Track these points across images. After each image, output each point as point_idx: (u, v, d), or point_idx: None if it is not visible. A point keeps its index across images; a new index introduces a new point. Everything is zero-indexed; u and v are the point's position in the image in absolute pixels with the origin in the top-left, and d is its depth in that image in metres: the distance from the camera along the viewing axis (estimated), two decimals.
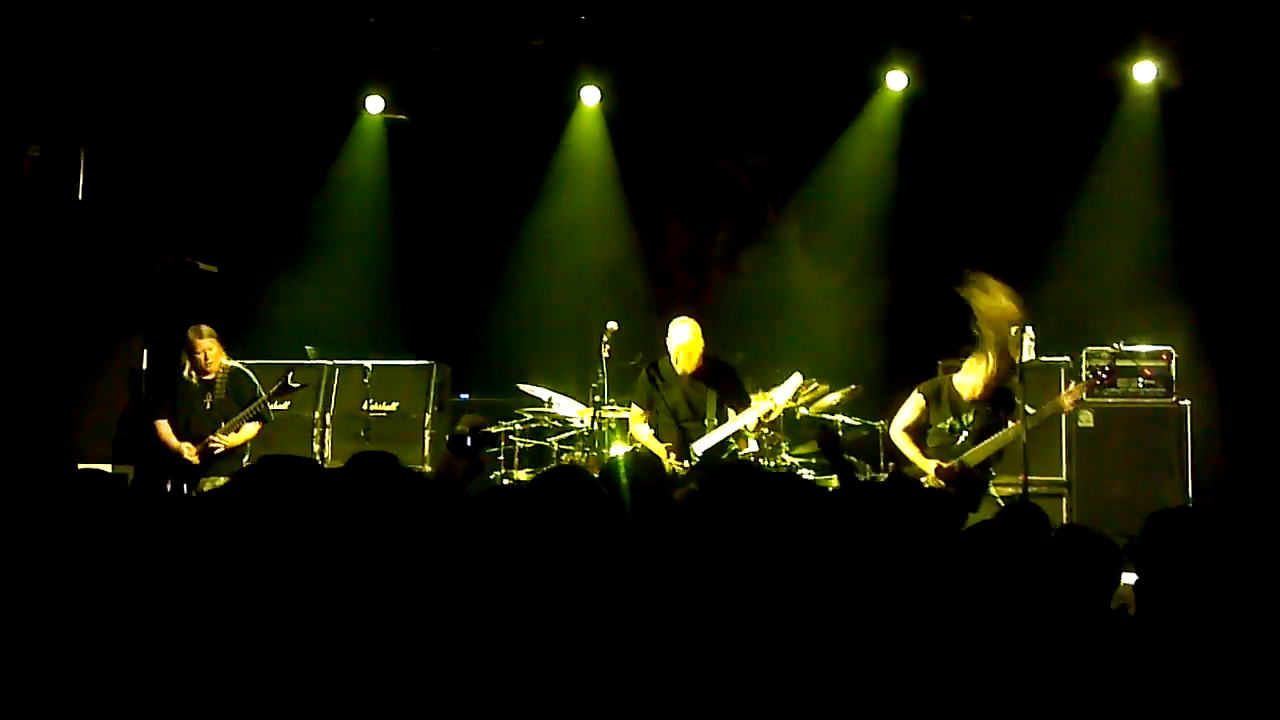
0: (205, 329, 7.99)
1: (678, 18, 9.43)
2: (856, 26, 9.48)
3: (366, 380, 8.82)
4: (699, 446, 7.52)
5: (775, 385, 7.56)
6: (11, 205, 8.69)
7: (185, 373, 7.99)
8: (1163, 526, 3.25)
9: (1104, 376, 7.57)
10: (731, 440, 7.54)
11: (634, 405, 7.84)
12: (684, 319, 7.72)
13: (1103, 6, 8.98)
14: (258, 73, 9.67)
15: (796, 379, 7.47)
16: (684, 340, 7.61)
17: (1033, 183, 9.61)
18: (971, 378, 7.07)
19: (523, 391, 8.72)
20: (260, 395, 7.91)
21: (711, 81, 10.04)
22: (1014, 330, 7.05)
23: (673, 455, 7.48)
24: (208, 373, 7.93)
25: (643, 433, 7.74)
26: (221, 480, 2.99)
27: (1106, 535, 3.35)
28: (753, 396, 7.50)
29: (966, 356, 7.13)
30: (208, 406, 7.94)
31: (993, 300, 6.93)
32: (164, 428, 7.95)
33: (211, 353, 7.93)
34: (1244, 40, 8.73)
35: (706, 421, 7.57)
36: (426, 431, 9.12)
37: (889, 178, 10.05)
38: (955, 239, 9.73)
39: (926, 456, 7.08)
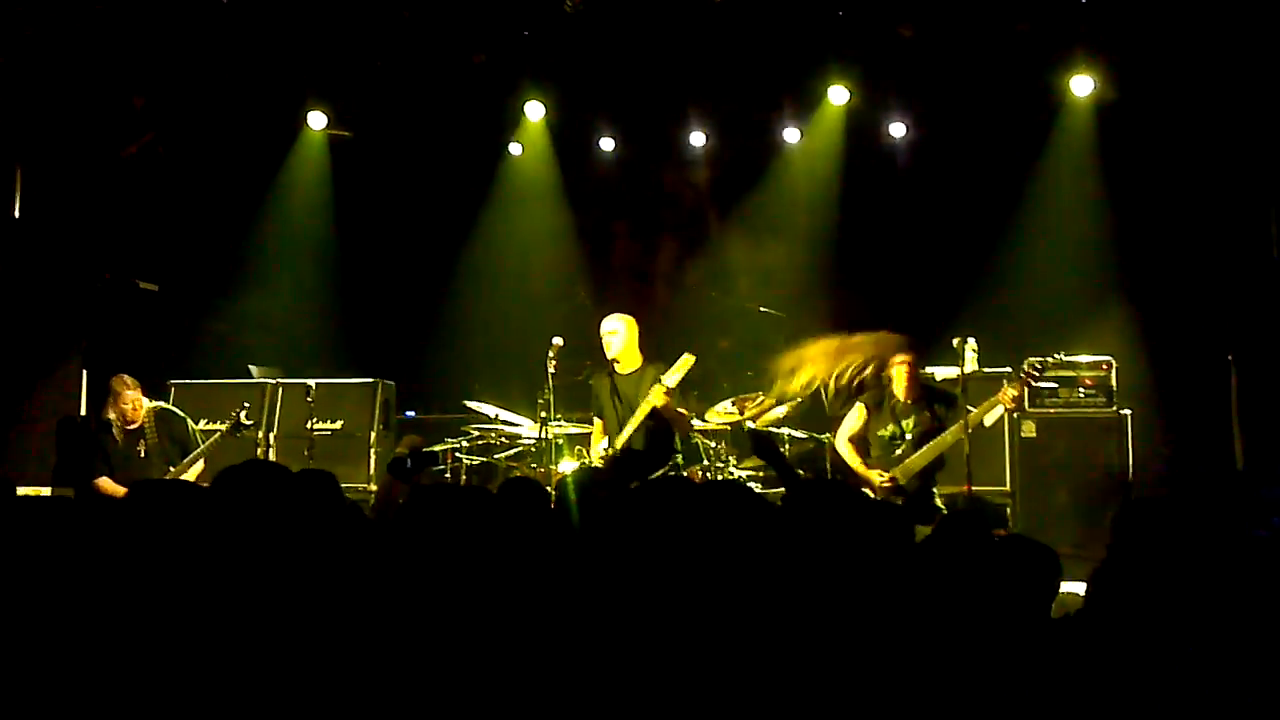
0: (129, 379, 7.83)
1: (619, 31, 9.45)
2: (799, 40, 9.54)
3: (310, 399, 8.74)
4: (618, 441, 7.42)
5: (734, 400, 7.65)
6: None
7: (114, 424, 7.82)
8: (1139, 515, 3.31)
9: (1038, 370, 7.55)
10: (674, 450, 7.51)
11: (593, 417, 7.84)
12: (619, 315, 7.73)
13: (1040, 21, 9.09)
14: (199, 88, 9.57)
15: (685, 357, 7.36)
16: (602, 328, 7.64)
17: (974, 195, 9.72)
18: (897, 383, 7.21)
19: (469, 408, 8.68)
20: (190, 428, 7.83)
21: (655, 93, 10.08)
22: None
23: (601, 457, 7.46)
24: (133, 422, 7.79)
25: (600, 447, 7.71)
26: None
27: (1047, 544, 3.38)
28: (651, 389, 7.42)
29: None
30: (143, 455, 7.80)
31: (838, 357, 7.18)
32: (106, 484, 7.75)
33: (137, 402, 7.80)
34: (1176, 54, 8.87)
35: (632, 419, 7.49)
36: (372, 450, 9.06)
37: (833, 191, 10.13)
38: (898, 251, 9.83)
39: (870, 467, 7.15)
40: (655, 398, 7.21)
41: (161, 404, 8.00)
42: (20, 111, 8.91)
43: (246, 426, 7.91)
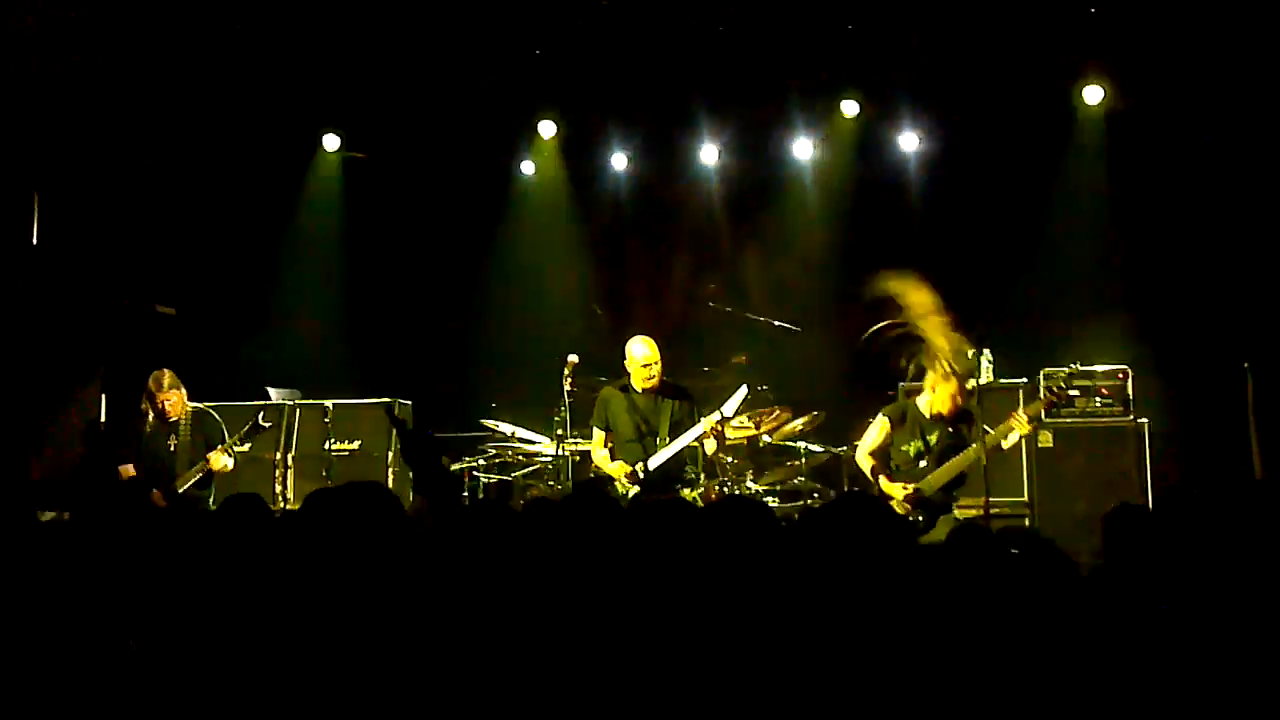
0: (167, 375, 7.91)
1: (629, 46, 9.50)
2: (809, 54, 9.58)
3: (328, 419, 8.79)
4: (652, 463, 7.51)
5: (742, 416, 7.64)
6: None
7: (149, 418, 7.91)
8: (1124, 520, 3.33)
9: (1057, 397, 7.63)
10: (688, 464, 7.56)
11: (594, 428, 7.84)
12: (641, 336, 7.75)
13: (1051, 32, 9.11)
14: (214, 113, 9.65)
15: (743, 391, 7.46)
16: (640, 355, 7.64)
17: (986, 206, 9.72)
18: (929, 395, 7.12)
19: (486, 426, 8.70)
20: (226, 438, 7.85)
21: (666, 109, 10.12)
22: (963, 346, 7.11)
23: (625, 477, 7.49)
24: (170, 417, 7.87)
25: (598, 455, 7.75)
26: None
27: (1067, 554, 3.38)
28: (703, 414, 7.52)
29: (921, 378, 7.18)
30: (171, 449, 7.87)
31: (935, 331, 7.03)
32: (129, 472, 7.86)
33: (173, 399, 7.86)
34: (1186, 62, 8.88)
35: (659, 440, 7.58)
36: (390, 469, 9.08)
37: (845, 203, 10.15)
38: (911, 263, 9.80)
39: (891, 480, 7.11)
40: (707, 425, 7.31)
41: (202, 406, 8.06)
42: (37, 137, 8.99)
43: (264, 429, 7.94)
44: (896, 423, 7.21)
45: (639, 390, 7.64)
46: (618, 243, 10.80)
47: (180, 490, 7.71)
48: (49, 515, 7.22)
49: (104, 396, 9.08)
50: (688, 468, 7.59)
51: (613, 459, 7.66)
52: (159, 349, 8.89)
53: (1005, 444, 7.12)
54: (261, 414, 7.92)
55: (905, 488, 6.99)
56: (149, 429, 7.90)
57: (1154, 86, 9.27)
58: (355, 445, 9.06)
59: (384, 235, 10.57)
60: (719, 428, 7.34)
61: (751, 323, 9.29)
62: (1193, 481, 8.76)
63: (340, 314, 10.42)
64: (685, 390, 7.81)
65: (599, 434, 7.76)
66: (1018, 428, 7.06)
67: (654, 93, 9.97)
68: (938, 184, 9.95)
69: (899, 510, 6.88)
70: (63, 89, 8.87)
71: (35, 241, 9.17)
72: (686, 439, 7.43)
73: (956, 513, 7.14)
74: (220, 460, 7.75)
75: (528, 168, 10.77)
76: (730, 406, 7.35)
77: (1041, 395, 7.85)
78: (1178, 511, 3.59)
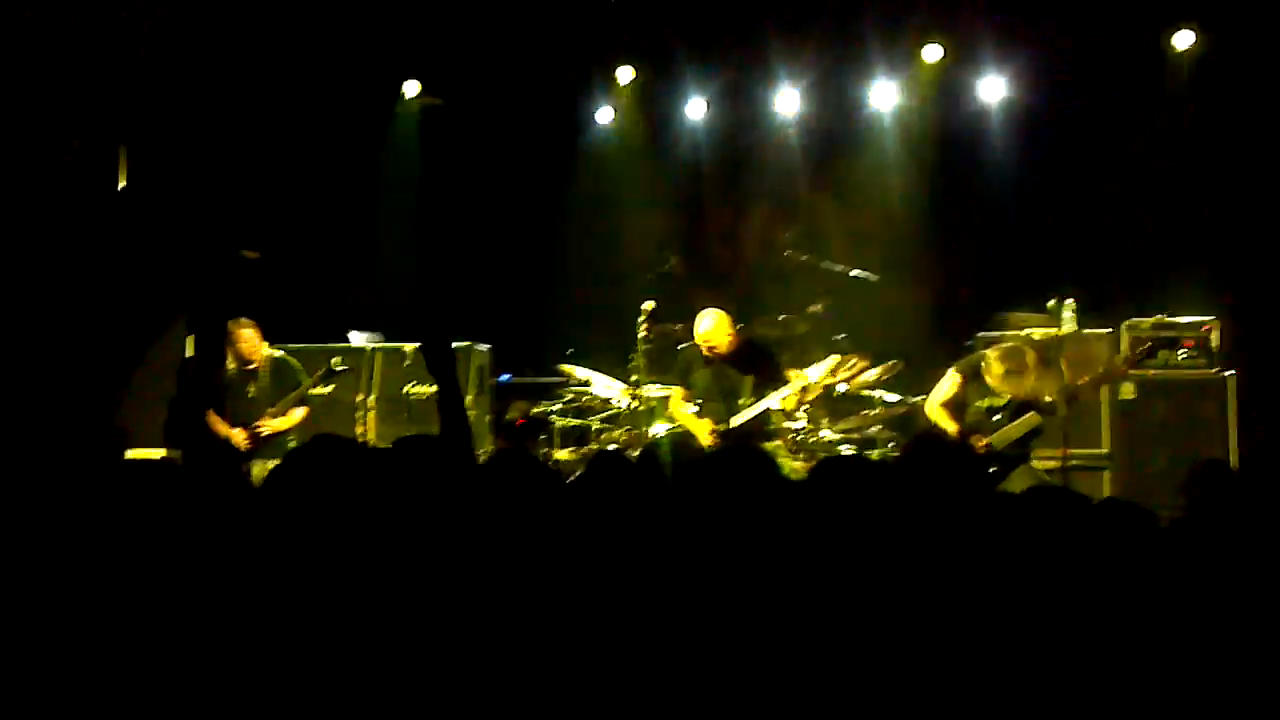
0: (245, 321, 8.14)
1: None
2: None
3: (407, 363, 8.89)
4: (736, 420, 7.62)
5: (812, 363, 7.63)
6: (52, 197, 8.81)
7: (229, 363, 8.14)
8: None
9: (1145, 350, 7.54)
10: (772, 418, 7.62)
11: (675, 385, 7.92)
12: (707, 310, 7.83)
13: None
14: (295, 59, 9.72)
15: (832, 360, 7.53)
16: (704, 330, 7.76)
17: (1070, 153, 9.55)
18: (999, 382, 7.03)
19: (563, 372, 8.76)
20: (303, 381, 8.06)
21: (745, 56, 10.03)
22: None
23: (710, 433, 7.55)
24: (250, 363, 8.10)
25: (683, 410, 7.82)
26: (272, 463, 3.11)
27: (1147, 508, 3.36)
28: (788, 373, 7.56)
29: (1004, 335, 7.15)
30: (250, 395, 8.11)
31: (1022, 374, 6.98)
32: (212, 416, 8.09)
33: (252, 344, 8.09)
34: (1276, 10, 8.63)
35: (741, 401, 7.65)
36: (468, 413, 9.16)
37: (926, 151, 10.02)
38: (993, 211, 9.69)
39: (965, 432, 7.07)
40: (793, 392, 7.43)
41: (281, 353, 8.27)
42: (124, 85, 9.12)
43: (338, 373, 8.13)
44: (969, 377, 7.18)
45: (710, 358, 7.77)
46: (694, 190, 10.76)
47: (263, 435, 7.94)
48: (139, 453, 7.45)
49: (190, 338, 9.27)
50: (770, 423, 7.66)
51: (701, 415, 7.76)
52: (242, 292, 9.04)
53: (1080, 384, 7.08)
54: (336, 358, 8.11)
55: (978, 440, 6.97)
56: (230, 376, 8.13)
57: (1245, 32, 9.01)
58: (434, 389, 9.14)
59: (462, 181, 10.61)
60: (803, 396, 7.37)
61: (829, 271, 9.24)
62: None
63: (418, 257, 10.48)
64: (767, 352, 7.84)
65: (678, 389, 7.85)
66: (1116, 368, 7.00)
67: (732, 39, 9.88)
68: (1021, 131, 9.78)
69: None
70: (149, 38, 8.98)
71: (122, 187, 9.32)
72: (769, 402, 7.53)
73: (1035, 463, 7.11)
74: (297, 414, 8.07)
75: (605, 114, 10.74)
76: (815, 372, 7.42)
77: (1125, 345, 7.75)
78: (1263, 467, 3.54)
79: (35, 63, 8.39)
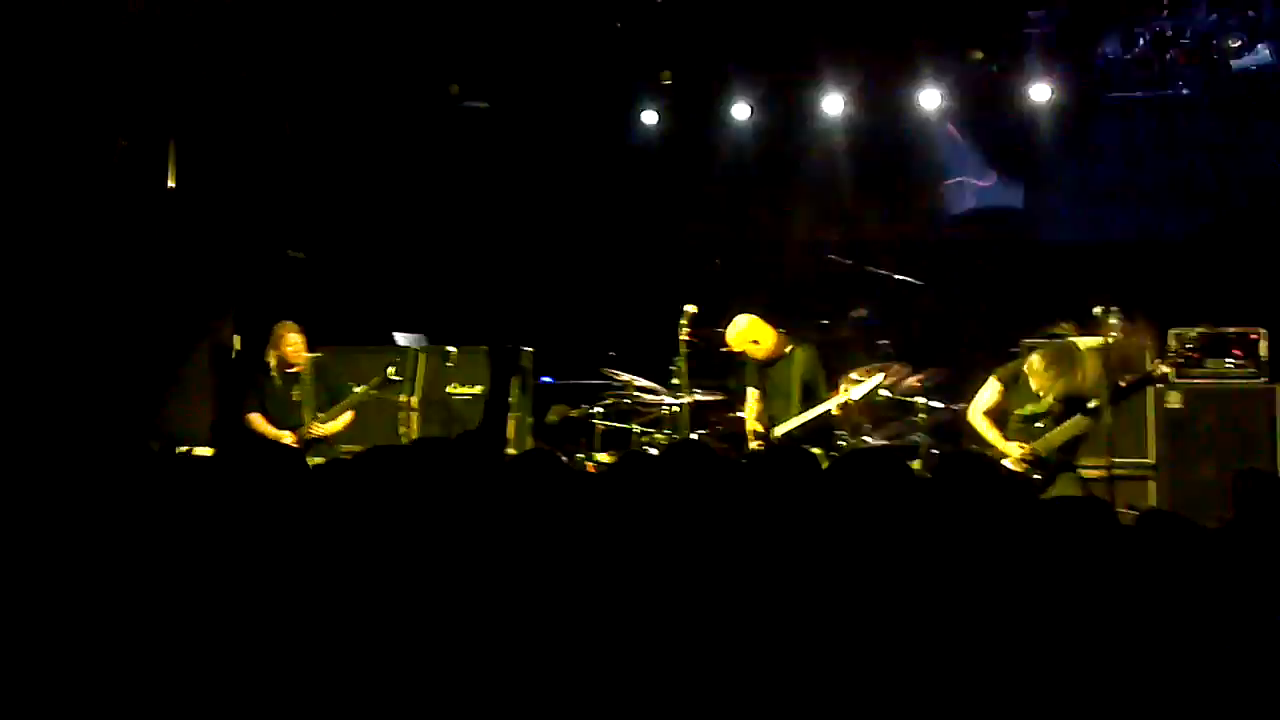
0: (291, 325, 8.21)
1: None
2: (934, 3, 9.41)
3: (450, 364, 8.93)
4: (779, 430, 7.67)
5: (863, 370, 7.68)
6: (101, 195, 8.92)
7: (272, 366, 8.21)
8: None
9: (1189, 355, 7.49)
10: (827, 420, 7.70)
11: (748, 388, 8.03)
12: (740, 316, 7.91)
13: None
14: (343, 61, 9.80)
15: (879, 378, 7.56)
16: (735, 333, 7.87)
17: (1110, 161, 9.49)
18: (1047, 381, 6.97)
19: (605, 375, 8.78)
20: (353, 387, 8.13)
21: (789, 59, 10.02)
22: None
23: (751, 434, 7.67)
24: (293, 365, 8.17)
25: (747, 412, 7.97)
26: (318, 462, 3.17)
27: (1193, 520, 3.33)
28: (841, 382, 7.60)
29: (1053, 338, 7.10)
30: (294, 398, 8.17)
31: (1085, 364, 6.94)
32: (258, 420, 8.15)
33: (298, 348, 8.16)
34: None
35: (789, 401, 7.75)
36: (510, 414, 9.20)
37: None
38: (1036, 224, 9.65)
39: (1007, 439, 7.02)
40: (836, 405, 7.54)
41: (322, 356, 8.36)
42: (174, 84, 9.23)
43: (395, 382, 8.20)
44: (1010, 384, 7.13)
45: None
46: (738, 193, 10.75)
47: (310, 437, 8.03)
48: (188, 450, 7.52)
49: (236, 337, 9.38)
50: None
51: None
52: (288, 292, 9.12)
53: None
54: (392, 367, 8.17)
55: (1021, 447, 6.91)
56: (272, 378, 8.20)
57: None
58: (477, 389, 9.20)
59: (505, 183, 10.65)
60: (850, 406, 7.54)
61: (872, 276, 9.21)
62: None
63: (462, 259, 10.54)
64: (810, 356, 7.87)
65: (754, 392, 7.95)
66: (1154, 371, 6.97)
67: (777, 42, 9.86)
68: (1066, 136, 9.72)
69: (1016, 469, 6.82)
70: (199, 38, 9.07)
71: (171, 186, 9.43)
72: (815, 413, 7.61)
73: (1080, 472, 7.04)
74: (329, 425, 8.14)
75: (649, 117, 10.75)
76: (860, 391, 7.44)
77: (1171, 352, 7.67)
78: None
79: (84, 62, 8.49)
